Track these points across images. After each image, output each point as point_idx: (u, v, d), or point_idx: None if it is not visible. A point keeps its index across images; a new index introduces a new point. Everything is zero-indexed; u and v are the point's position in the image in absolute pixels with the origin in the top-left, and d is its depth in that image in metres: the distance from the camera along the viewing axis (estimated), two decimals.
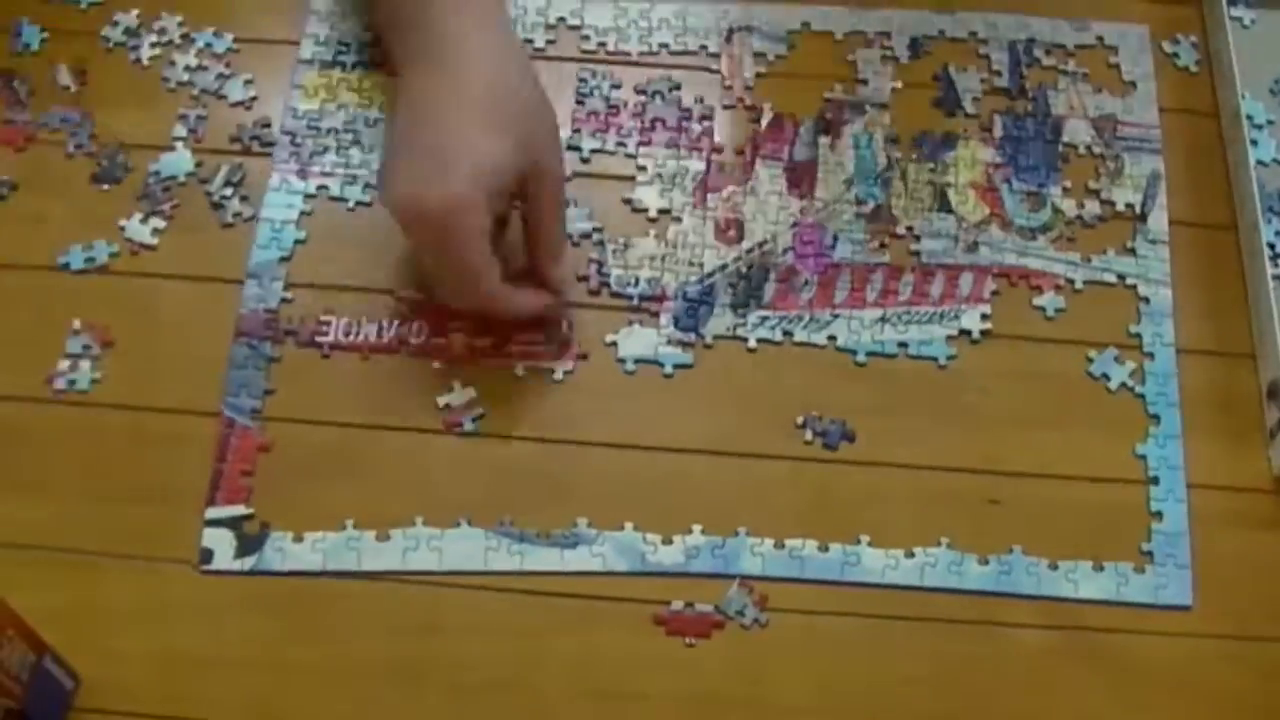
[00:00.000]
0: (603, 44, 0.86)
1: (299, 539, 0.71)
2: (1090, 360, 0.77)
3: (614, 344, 0.77)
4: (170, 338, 0.77)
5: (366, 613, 0.70)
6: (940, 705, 0.69)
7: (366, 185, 0.81)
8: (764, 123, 0.84)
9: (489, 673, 0.69)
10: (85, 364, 0.75)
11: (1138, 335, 0.78)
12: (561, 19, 0.87)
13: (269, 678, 0.69)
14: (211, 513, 0.72)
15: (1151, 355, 0.78)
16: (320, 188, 0.81)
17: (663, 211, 0.81)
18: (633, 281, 0.78)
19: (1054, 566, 0.72)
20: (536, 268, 0.74)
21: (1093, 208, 0.82)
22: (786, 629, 0.71)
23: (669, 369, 0.76)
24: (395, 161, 0.70)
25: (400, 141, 0.71)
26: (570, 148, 0.82)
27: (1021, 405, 0.76)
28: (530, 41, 0.86)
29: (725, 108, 0.84)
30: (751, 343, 0.77)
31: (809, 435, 0.75)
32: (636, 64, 0.85)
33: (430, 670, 0.69)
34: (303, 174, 0.81)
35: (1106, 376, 0.77)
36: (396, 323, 0.77)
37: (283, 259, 0.79)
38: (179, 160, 0.82)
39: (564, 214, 0.74)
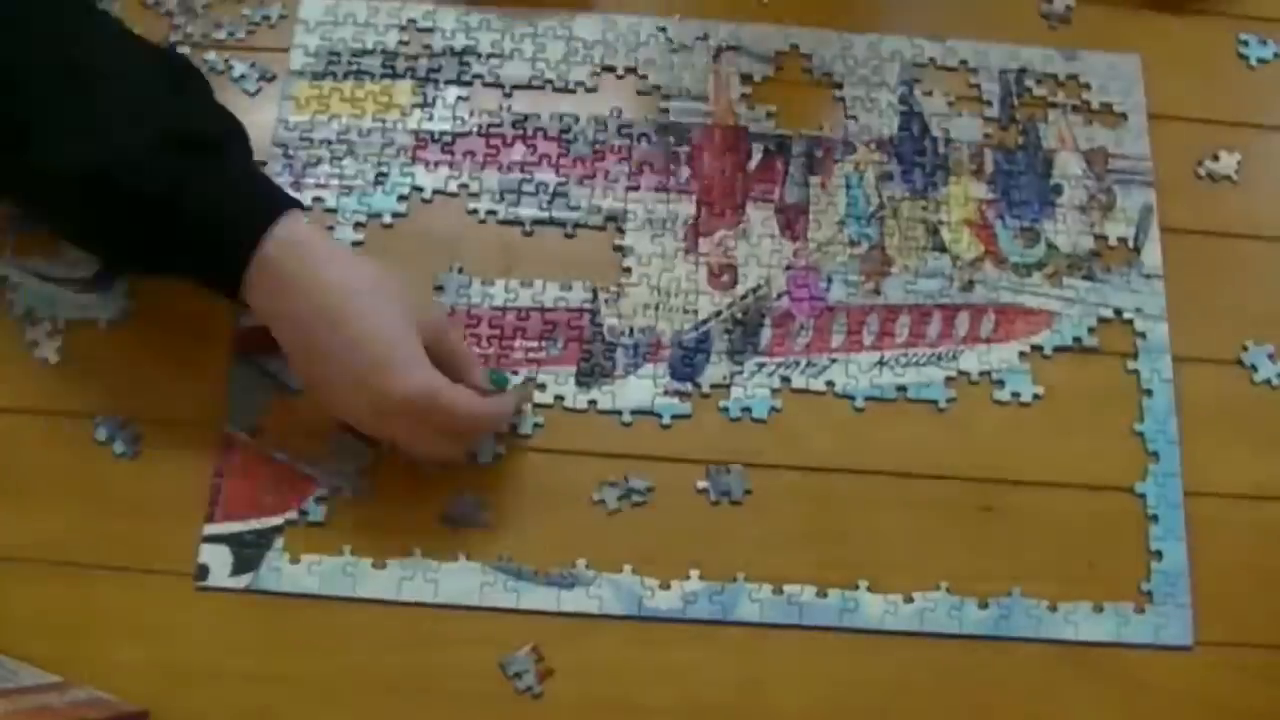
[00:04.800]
0: (588, 56, 0.84)
1: (295, 560, 0.71)
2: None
3: (610, 395, 0.76)
4: (169, 353, 0.76)
5: (365, 626, 0.71)
6: (943, 714, 0.70)
7: (362, 195, 0.80)
8: (754, 163, 0.82)
9: (489, 686, 0.70)
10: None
11: (1135, 372, 0.78)
12: (550, 28, 0.85)
13: (267, 690, 0.69)
14: (210, 529, 0.72)
15: (1150, 392, 0.77)
16: (316, 199, 0.80)
17: (654, 258, 0.79)
18: (627, 331, 0.77)
19: (1054, 608, 0.72)
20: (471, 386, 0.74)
21: (1086, 242, 0.81)
22: (784, 640, 0.71)
23: (667, 419, 0.75)
24: (333, 368, 0.69)
25: (327, 350, 0.69)
26: (557, 194, 0.81)
27: (1019, 443, 0.76)
28: (519, 52, 0.84)
29: (711, 144, 0.82)
30: (749, 390, 0.76)
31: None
32: (622, 77, 0.84)
33: (429, 683, 0.70)
34: (297, 186, 0.80)
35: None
36: None
37: None
38: None
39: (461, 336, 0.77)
